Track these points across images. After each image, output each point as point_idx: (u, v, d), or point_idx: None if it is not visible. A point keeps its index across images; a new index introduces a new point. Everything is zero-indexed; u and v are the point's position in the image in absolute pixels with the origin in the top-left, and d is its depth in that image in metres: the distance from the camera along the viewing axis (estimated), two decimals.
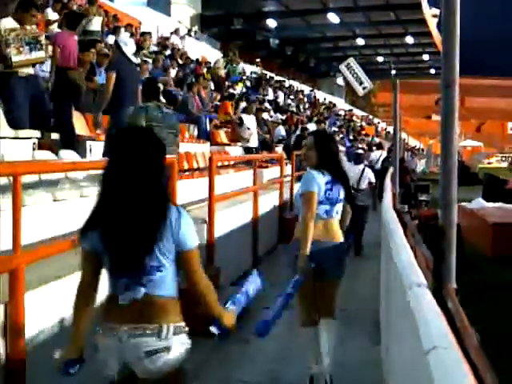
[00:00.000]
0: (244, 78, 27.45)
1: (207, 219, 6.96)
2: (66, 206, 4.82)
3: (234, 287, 7.41)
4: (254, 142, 12.95)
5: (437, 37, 40.93)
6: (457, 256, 2.61)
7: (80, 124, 7.49)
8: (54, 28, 12.49)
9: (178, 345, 2.56)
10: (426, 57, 50.89)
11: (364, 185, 10.82)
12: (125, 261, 2.54)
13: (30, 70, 6.49)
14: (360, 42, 45.21)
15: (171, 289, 2.62)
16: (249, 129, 12.70)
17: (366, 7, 36.00)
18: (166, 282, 2.59)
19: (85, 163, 4.71)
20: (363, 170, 10.96)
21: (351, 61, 11.68)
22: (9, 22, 6.23)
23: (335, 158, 4.62)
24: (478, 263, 10.21)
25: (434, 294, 2.41)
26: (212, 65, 22.93)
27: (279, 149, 14.39)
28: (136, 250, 2.52)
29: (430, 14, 40.68)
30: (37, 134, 5.95)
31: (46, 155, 5.39)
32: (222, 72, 22.49)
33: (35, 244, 4.14)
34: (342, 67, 11.66)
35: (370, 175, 11.08)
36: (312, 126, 18.02)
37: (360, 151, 11.95)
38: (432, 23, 40.71)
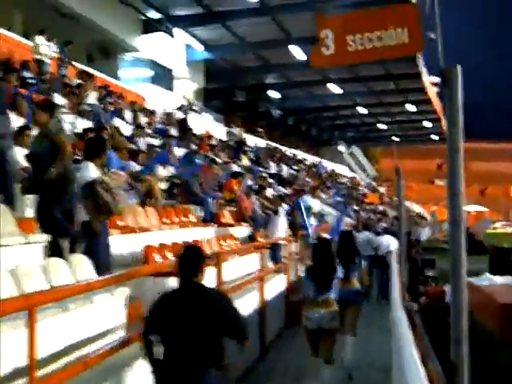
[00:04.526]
0: (247, 149, 27.78)
1: None
2: (76, 316, 4.73)
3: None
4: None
5: (437, 104, 41.46)
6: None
7: None
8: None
9: None
10: (427, 124, 51.44)
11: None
12: None
13: None
14: (361, 110, 45.87)
15: None
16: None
17: (366, 77, 36.70)
18: None
19: (101, 281, 4.63)
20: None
21: (355, 149, 11.76)
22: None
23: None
24: (487, 346, 9.93)
25: None
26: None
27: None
28: None
29: (430, 81, 41.32)
30: (47, 238, 5.91)
31: (57, 263, 5.32)
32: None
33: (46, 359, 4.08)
34: (346, 156, 11.73)
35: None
36: (308, 198, 17.97)
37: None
38: (432, 91, 41.30)
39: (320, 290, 6.90)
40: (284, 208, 15.26)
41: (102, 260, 6.36)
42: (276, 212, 13.05)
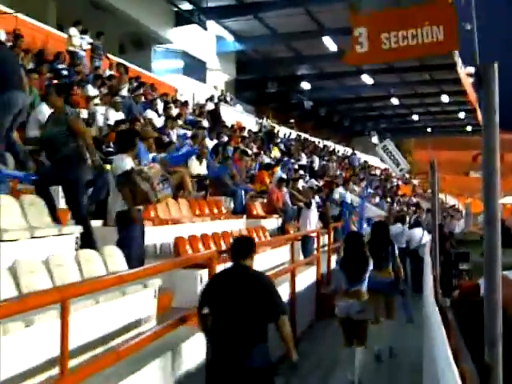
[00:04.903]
0: (278, 141, 27.71)
1: None
2: (107, 307, 4.77)
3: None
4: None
5: (472, 95, 40.81)
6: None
7: None
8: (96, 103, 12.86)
9: None
10: (461, 115, 50.66)
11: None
12: None
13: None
14: (394, 101, 45.36)
15: None
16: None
17: (401, 68, 36.27)
18: None
19: (134, 273, 4.65)
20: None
21: (388, 142, 11.59)
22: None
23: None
24: None
25: None
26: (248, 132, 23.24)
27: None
28: None
29: (465, 72, 40.66)
30: (79, 229, 5.96)
31: (89, 254, 5.37)
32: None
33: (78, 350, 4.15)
34: (379, 149, 11.59)
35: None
36: (341, 190, 17.81)
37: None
38: (467, 82, 40.64)
39: (351, 281, 7.18)
40: (316, 200, 15.18)
41: (135, 250, 6.41)
42: (308, 204, 12.94)
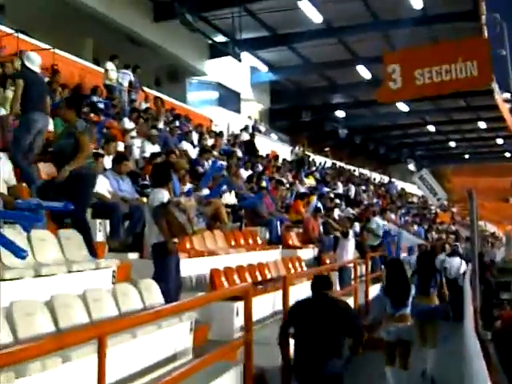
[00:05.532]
0: (313, 170, 27.66)
1: None
2: (144, 342, 4.76)
3: None
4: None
5: (509, 121, 40.26)
6: None
7: None
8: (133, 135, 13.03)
9: None
10: (499, 141, 49.95)
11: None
12: None
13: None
14: (430, 128, 44.98)
15: None
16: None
17: (436, 95, 35.96)
18: None
19: (170, 308, 4.64)
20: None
21: (424, 172, 11.49)
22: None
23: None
24: None
25: None
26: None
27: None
28: None
29: (502, 98, 40.19)
30: (116, 262, 6.00)
31: (126, 288, 5.39)
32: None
33: None
34: (416, 179, 11.49)
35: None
36: (378, 220, 17.64)
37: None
38: (504, 108, 40.14)
39: (396, 306, 7.65)
40: (354, 229, 15.05)
41: (172, 282, 6.41)
42: (345, 234, 12.79)
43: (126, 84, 16.85)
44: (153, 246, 6.57)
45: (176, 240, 6.65)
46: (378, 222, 17.08)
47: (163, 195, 6.58)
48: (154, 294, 5.74)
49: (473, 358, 4.66)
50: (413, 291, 7.85)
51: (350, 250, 12.62)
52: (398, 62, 3.50)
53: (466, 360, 5.36)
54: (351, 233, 13.17)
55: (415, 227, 29.72)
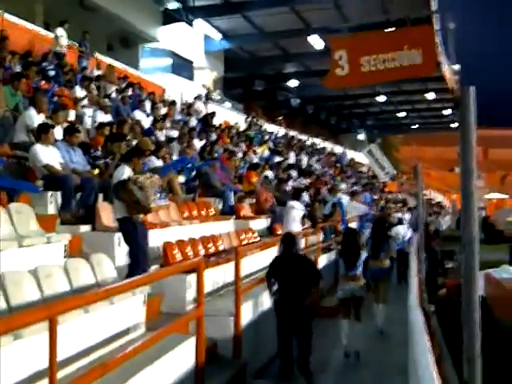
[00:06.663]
0: (266, 138, 27.68)
1: (234, 311, 6.87)
2: (97, 317, 4.77)
3: (258, 380, 7.33)
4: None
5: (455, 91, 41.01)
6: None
7: (107, 215, 7.51)
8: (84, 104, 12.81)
9: None
10: (447, 112, 50.99)
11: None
12: None
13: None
14: (381, 98, 45.53)
15: None
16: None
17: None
18: None
19: (122, 286, 4.65)
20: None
21: (373, 147, 11.67)
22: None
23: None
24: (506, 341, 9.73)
25: None
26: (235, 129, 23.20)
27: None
28: None
29: (450, 70, 40.90)
30: (67, 237, 5.98)
31: (78, 263, 5.38)
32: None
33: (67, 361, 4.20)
34: (364, 153, 11.66)
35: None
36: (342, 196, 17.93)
37: None
38: (452, 79, 40.89)
39: (348, 267, 8.86)
40: (304, 199, 15.19)
41: (141, 252, 6.63)
42: (284, 203, 12.83)
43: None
44: (118, 220, 6.70)
45: (137, 216, 6.70)
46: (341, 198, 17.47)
47: (124, 172, 6.60)
48: (106, 268, 5.75)
49: (416, 333, 4.85)
50: (363, 255, 9.12)
51: (296, 220, 12.40)
52: (345, 48, 3.55)
53: (410, 334, 5.57)
54: (291, 203, 12.78)
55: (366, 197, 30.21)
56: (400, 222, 18.57)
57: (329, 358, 8.55)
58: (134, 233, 6.58)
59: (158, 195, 6.70)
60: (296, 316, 7.43)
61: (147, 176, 6.75)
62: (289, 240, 7.91)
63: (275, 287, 7.62)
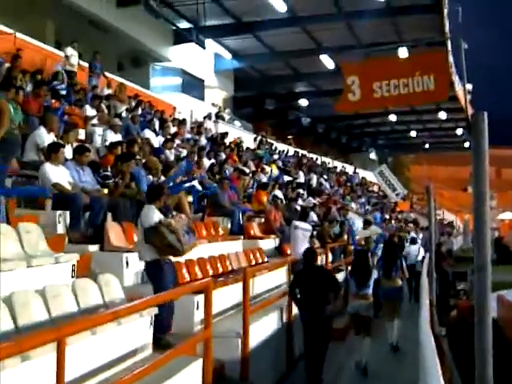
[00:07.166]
0: (276, 157, 27.67)
1: (241, 332, 6.83)
2: (104, 338, 4.75)
3: None
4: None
5: (469, 112, 40.91)
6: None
7: (116, 235, 7.52)
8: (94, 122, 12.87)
9: None
10: (459, 131, 50.81)
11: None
12: None
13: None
14: (392, 118, 45.49)
15: None
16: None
17: None
18: None
19: (130, 307, 4.64)
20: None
21: (384, 168, 11.65)
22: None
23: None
24: None
25: None
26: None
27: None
28: None
29: (462, 89, 40.79)
30: (76, 256, 5.97)
31: (85, 284, 5.37)
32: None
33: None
34: (375, 174, 11.66)
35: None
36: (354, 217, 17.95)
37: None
38: (464, 99, 40.74)
39: (359, 286, 9.37)
40: (312, 218, 15.13)
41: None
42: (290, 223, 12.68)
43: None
44: (146, 263, 6.56)
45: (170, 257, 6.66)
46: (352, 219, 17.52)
47: (153, 216, 6.51)
48: (113, 288, 5.74)
49: (426, 356, 4.77)
50: (375, 275, 9.68)
51: (304, 239, 12.23)
52: (357, 73, 3.55)
53: (420, 357, 5.49)
54: (296, 223, 12.63)
55: (377, 217, 30.08)
56: (413, 241, 18.58)
57: (340, 373, 8.99)
58: (161, 277, 6.41)
59: (187, 236, 6.63)
60: (318, 324, 8.10)
61: (176, 218, 6.74)
62: (310, 254, 8.72)
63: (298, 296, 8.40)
